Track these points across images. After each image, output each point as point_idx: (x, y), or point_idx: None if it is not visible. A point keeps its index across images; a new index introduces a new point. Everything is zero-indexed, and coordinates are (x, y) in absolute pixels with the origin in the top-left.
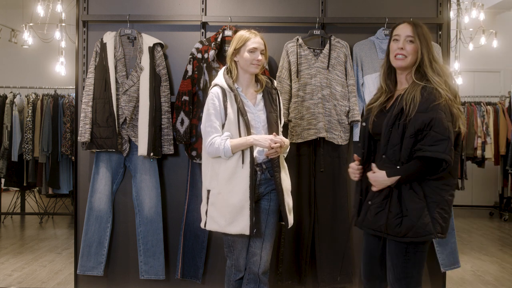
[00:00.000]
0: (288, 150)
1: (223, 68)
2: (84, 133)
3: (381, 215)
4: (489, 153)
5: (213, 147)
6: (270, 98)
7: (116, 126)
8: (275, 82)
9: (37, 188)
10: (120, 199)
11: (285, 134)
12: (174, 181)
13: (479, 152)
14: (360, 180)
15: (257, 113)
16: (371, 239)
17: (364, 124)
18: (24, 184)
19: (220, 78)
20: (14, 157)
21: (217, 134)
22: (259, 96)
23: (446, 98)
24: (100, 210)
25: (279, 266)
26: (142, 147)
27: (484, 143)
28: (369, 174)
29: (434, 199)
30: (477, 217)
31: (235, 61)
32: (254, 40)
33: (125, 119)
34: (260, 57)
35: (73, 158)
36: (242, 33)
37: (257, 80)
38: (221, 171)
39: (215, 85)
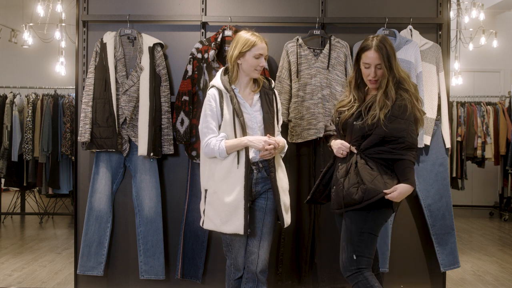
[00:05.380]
0: (285, 150)
1: (222, 68)
2: (84, 133)
3: (340, 190)
4: (489, 153)
5: (209, 148)
6: (267, 98)
7: (116, 126)
8: (273, 83)
9: (37, 188)
10: (120, 199)
11: (285, 134)
12: (174, 181)
13: (479, 152)
14: (329, 169)
15: (253, 113)
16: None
17: (338, 118)
18: (24, 184)
19: (217, 79)
20: (14, 157)
21: (213, 135)
22: (256, 96)
23: (413, 105)
24: (100, 210)
25: (279, 266)
26: (142, 147)
27: (484, 143)
28: (394, 194)
29: (384, 171)
30: (477, 217)
31: (237, 63)
32: (261, 46)
33: (125, 119)
34: (264, 62)
35: (73, 158)
36: (247, 36)
37: (254, 80)
38: (217, 170)
39: (212, 86)
